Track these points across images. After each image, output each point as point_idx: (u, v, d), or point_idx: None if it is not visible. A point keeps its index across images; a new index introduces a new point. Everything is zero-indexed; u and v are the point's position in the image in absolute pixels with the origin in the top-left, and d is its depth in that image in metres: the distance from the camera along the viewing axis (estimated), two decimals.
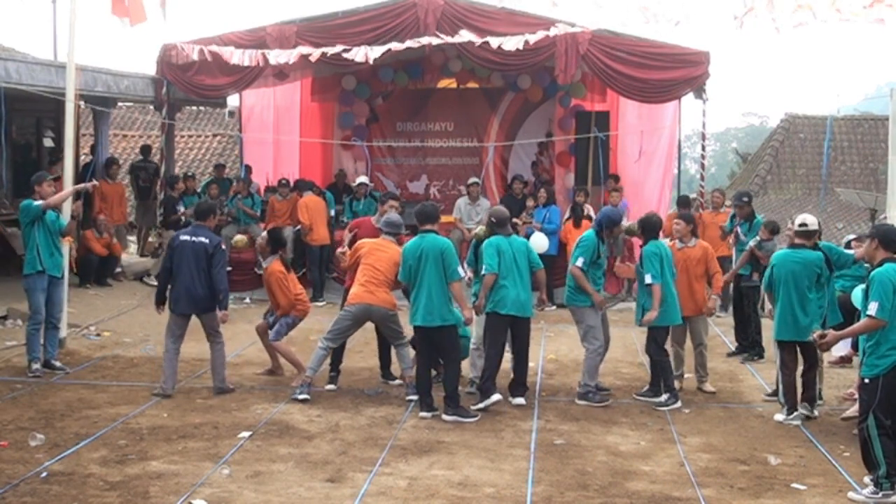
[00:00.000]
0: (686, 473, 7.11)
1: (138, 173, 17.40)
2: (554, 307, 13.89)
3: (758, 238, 10.99)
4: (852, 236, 10.69)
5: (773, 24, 11.32)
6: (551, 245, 14.38)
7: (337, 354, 9.51)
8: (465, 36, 14.64)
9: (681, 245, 9.69)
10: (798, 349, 8.66)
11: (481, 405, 8.67)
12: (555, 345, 11.99)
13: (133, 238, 18.10)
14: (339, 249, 9.65)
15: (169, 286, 9.20)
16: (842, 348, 10.50)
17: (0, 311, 12.10)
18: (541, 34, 14.50)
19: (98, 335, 11.94)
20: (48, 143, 16.29)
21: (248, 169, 17.27)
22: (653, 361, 9.35)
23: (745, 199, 11.90)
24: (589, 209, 15.00)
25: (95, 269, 14.70)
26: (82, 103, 13.93)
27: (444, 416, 8.44)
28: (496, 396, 8.71)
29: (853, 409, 8.01)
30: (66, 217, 10.21)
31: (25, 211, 9.79)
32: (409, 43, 14.60)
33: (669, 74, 15.02)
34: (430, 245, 8.52)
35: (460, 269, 8.67)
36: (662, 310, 9.02)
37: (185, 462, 7.13)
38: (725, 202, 14.46)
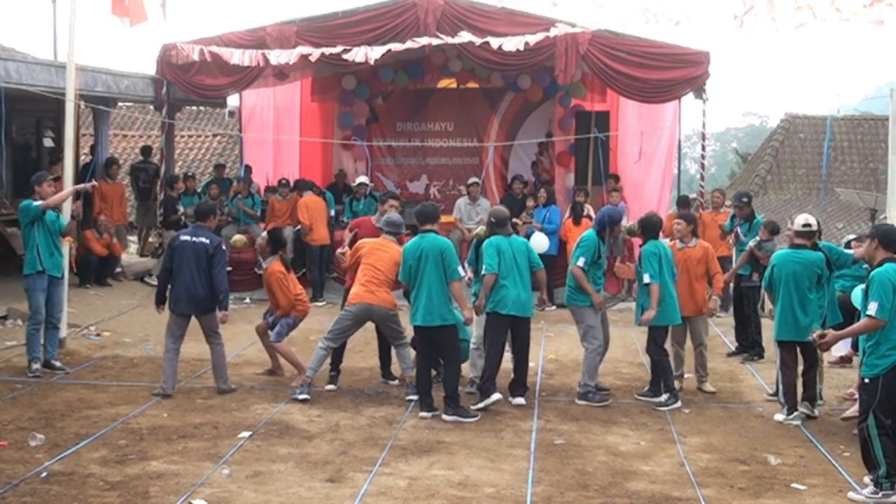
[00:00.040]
0: (686, 473, 7.11)
1: (138, 174, 17.42)
2: (554, 307, 13.90)
3: (758, 238, 10.98)
4: (852, 236, 10.69)
5: (773, 23, 11.32)
6: (551, 245, 14.38)
7: (337, 354, 9.51)
8: (465, 36, 14.64)
9: (681, 245, 9.69)
10: (798, 349, 8.66)
11: (481, 405, 8.68)
12: (555, 345, 11.99)
13: (133, 238, 18.11)
14: (340, 250, 9.64)
15: (169, 286, 9.21)
16: (842, 348, 10.51)
17: (0, 311, 12.10)
18: (541, 34, 14.51)
19: (98, 335, 11.94)
20: (48, 143, 16.29)
21: (248, 169, 17.26)
22: (653, 361, 9.35)
23: (745, 199, 11.88)
24: (589, 209, 15.01)
25: (95, 269, 14.70)
26: (82, 103, 13.91)
27: (444, 416, 8.44)
28: (496, 396, 8.71)
29: (853, 409, 8.02)
30: (66, 217, 10.21)
31: (25, 211, 9.79)
32: (409, 43, 14.60)
33: (669, 74, 15.02)
34: (430, 245, 8.52)
35: (460, 269, 8.67)
36: (661, 309, 9.03)
37: (185, 462, 7.13)
38: (725, 202, 14.46)
